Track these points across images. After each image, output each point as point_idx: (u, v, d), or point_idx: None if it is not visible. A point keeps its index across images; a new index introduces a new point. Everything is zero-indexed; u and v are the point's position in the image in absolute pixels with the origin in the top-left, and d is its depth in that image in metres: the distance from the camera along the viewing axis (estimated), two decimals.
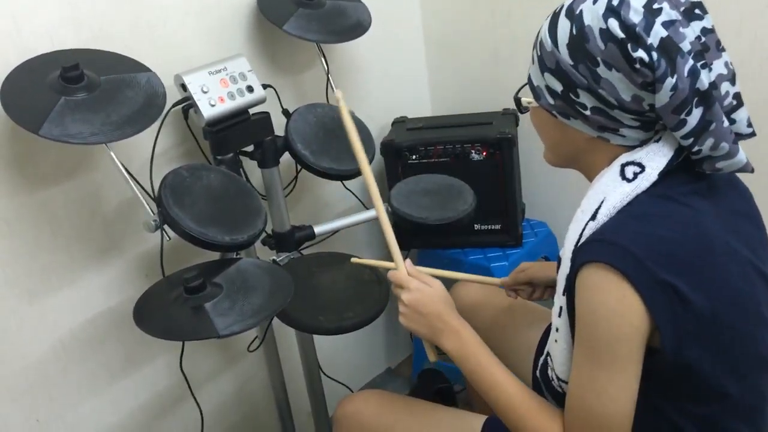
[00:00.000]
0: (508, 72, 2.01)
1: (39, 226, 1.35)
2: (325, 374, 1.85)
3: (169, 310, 1.23)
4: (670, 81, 0.86)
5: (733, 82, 0.92)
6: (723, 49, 0.91)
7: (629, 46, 0.86)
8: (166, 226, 1.28)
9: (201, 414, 1.64)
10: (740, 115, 0.94)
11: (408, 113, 2.09)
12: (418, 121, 2.02)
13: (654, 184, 0.92)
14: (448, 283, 1.65)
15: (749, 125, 0.95)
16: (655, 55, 0.85)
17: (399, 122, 2.05)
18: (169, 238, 1.32)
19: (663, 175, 0.92)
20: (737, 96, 0.93)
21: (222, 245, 1.29)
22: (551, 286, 1.40)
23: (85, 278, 1.44)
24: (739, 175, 1.03)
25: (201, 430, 1.66)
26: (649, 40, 0.86)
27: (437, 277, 1.19)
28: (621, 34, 0.87)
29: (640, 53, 0.86)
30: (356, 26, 1.66)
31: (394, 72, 2.08)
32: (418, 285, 1.13)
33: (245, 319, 1.16)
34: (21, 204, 1.31)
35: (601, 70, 0.90)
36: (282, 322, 1.43)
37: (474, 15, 2.03)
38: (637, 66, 0.87)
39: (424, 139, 1.90)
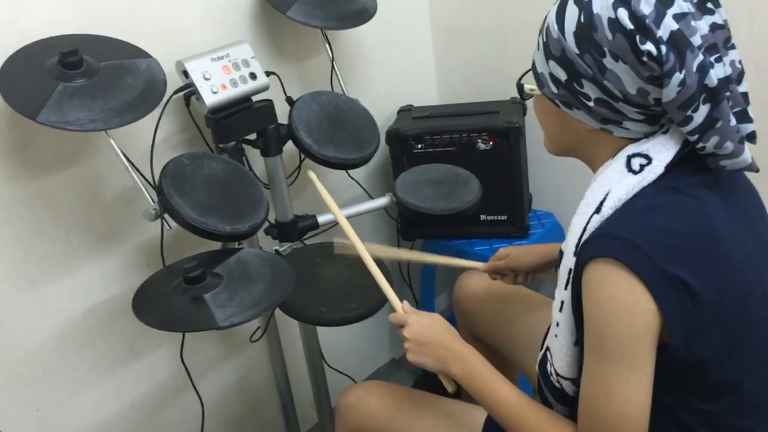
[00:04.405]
0: (516, 60, 1.98)
1: (38, 213, 1.33)
2: (328, 365, 1.84)
3: (168, 300, 1.22)
4: (678, 76, 0.83)
5: (738, 81, 0.89)
6: (732, 47, 0.88)
7: (638, 38, 0.84)
8: (166, 215, 1.27)
9: (202, 404, 1.64)
10: (751, 113, 0.91)
11: (414, 101, 2.07)
12: (424, 110, 2.00)
13: (660, 176, 0.90)
14: (454, 275, 1.64)
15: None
16: (664, 48, 0.83)
17: (405, 111, 2.02)
18: (170, 227, 1.31)
19: (669, 167, 0.90)
20: (744, 95, 0.90)
21: (223, 235, 1.28)
22: (533, 271, 1.40)
23: (85, 266, 1.43)
24: None
25: (202, 420, 1.65)
26: (659, 33, 0.83)
27: (417, 261, 1.17)
28: (630, 25, 0.84)
29: (649, 46, 0.83)
30: (362, 12, 1.63)
31: (400, 59, 2.05)
32: (417, 318, 1.13)
33: (245, 311, 1.15)
34: (20, 190, 1.30)
35: (608, 61, 0.87)
36: (283, 313, 1.41)
37: (483, 2, 2.00)
38: (645, 59, 0.84)
39: (430, 128, 1.88)
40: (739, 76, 0.89)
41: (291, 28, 1.68)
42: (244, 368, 1.83)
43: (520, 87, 1.06)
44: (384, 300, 1.41)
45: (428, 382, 1.98)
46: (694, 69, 0.83)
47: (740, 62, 0.89)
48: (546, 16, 0.96)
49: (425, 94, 2.18)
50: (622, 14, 0.84)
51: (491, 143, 1.83)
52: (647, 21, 0.83)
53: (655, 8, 0.83)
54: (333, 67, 1.69)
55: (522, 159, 1.86)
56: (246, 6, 1.59)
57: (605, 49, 0.87)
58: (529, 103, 1.07)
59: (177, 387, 1.65)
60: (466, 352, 1.09)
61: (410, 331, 1.11)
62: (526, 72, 1.03)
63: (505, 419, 1.02)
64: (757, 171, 0.92)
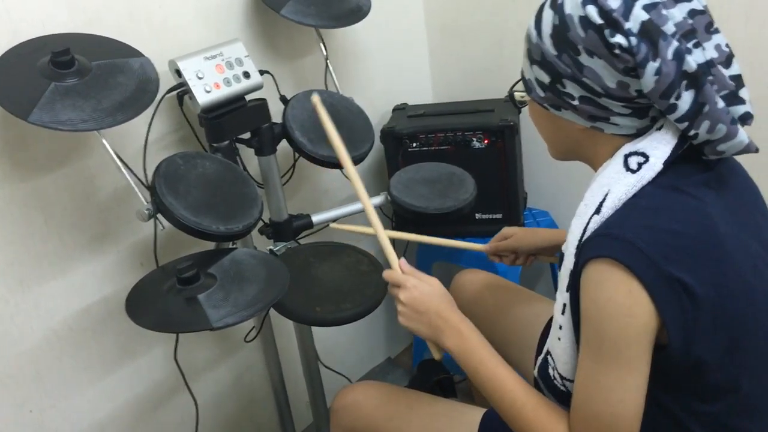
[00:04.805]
0: (511, 59, 1.97)
1: (31, 214, 1.33)
2: (323, 365, 1.83)
3: (161, 301, 1.21)
4: (653, 65, 0.84)
5: (727, 65, 0.89)
6: (715, 31, 0.89)
7: (606, 32, 0.85)
8: (159, 215, 1.26)
9: (196, 405, 1.63)
10: (744, 95, 0.90)
11: (409, 100, 2.06)
12: (419, 108, 1.99)
13: (660, 174, 0.90)
14: (451, 273, 1.63)
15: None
16: (633, 40, 0.84)
17: (399, 109, 2.02)
18: (163, 228, 1.30)
19: (669, 164, 0.90)
20: (735, 78, 0.90)
21: (217, 235, 1.27)
22: (534, 253, 1.40)
23: (78, 267, 1.42)
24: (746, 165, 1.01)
25: (196, 420, 1.65)
26: (627, 25, 0.84)
27: (419, 242, 1.23)
28: (599, 20, 0.86)
29: (618, 38, 0.85)
30: (356, 10, 1.63)
31: (395, 57, 2.05)
32: (416, 282, 1.08)
33: (239, 311, 1.14)
34: (12, 191, 1.29)
35: (583, 58, 0.89)
36: (278, 313, 1.41)
37: (478, 0, 2.00)
38: (617, 51, 0.85)
39: (424, 126, 1.87)
40: (727, 59, 0.89)
41: (285, 27, 1.67)
42: (238, 368, 1.82)
43: (512, 96, 1.09)
44: (380, 299, 1.41)
45: (424, 382, 1.98)
46: (670, 56, 0.84)
47: (727, 45, 0.89)
48: (529, 24, 0.98)
49: (420, 92, 2.17)
50: (591, 11, 0.86)
51: (486, 142, 1.83)
52: (614, 14, 0.85)
53: (624, 2, 0.85)
54: (327, 65, 1.68)
55: (517, 157, 1.86)
56: (239, 4, 1.58)
57: (579, 46, 0.88)
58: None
59: (171, 387, 1.65)
60: (464, 327, 1.06)
61: (407, 296, 1.07)
62: (517, 81, 1.05)
63: (500, 401, 1.01)
64: (757, 151, 0.91)
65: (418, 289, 1.08)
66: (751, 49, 1.56)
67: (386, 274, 1.12)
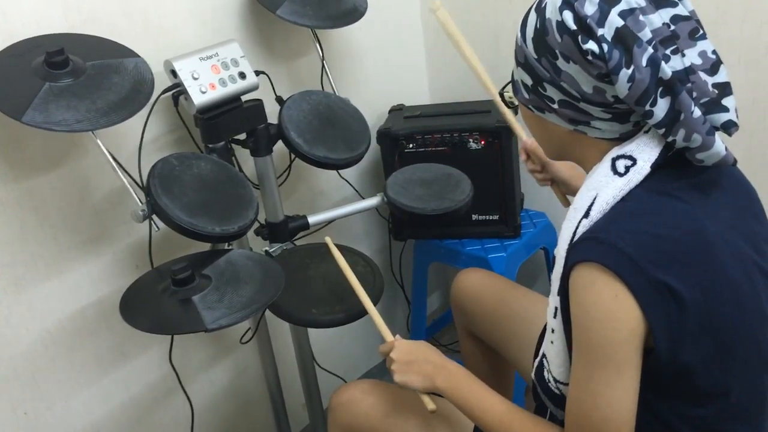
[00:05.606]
0: (508, 59, 1.94)
1: (25, 215, 1.32)
2: (319, 366, 1.83)
3: (156, 302, 1.21)
4: (626, 72, 0.84)
5: (712, 72, 0.88)
6: (701, 38, 0.88)
7: (580, 37, 0.85)
8: (154, 216, 1.26)
9: (191, 406, 1.63)
10: (728, 104, 0.89)
11: (405, 101, 2.06)
12: (415, 109, 1.99)
13: (649, 178, 0.89)
14: (447, 274, 1.64)
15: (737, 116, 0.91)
16: (605, 46, 0.84)
17: (396, 110, 2.02)
18: (158, 229, 1.29)
19: (657, 167, 0.89)
20: (719, 86, 0.88)
21: (212, 236, 1.26)
22: (554, 180, 1.42)
23: (73, 268, 1.41)
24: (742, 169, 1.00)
25: (191, 422, 1.64)
26: (601, 32, 0.84)
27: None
28: (573, 26, 0.86)
29: (591, 45, 0.85)
30: (352, 11, 1.63)
31: (391, 58, 2.04)
32: (403, 341, 1.16)
33: (234, 313, 1.14)
34: (6, 192, 1.29)
35: (560, 63, 0.89)
36: (274, 314, 1.40)
37: (475, 1, 2.00)
38: (590, 58, 0.85)
39: (421, 127, 1.87)
40: (713, 66, 0.88)
41: (281, 27, 1.67)
42: (234, 370, 1.81)
43: (501, 95, 1.10)
44: (376, 301, 1.41)
45: None
46: (644, 63, 0.83)
47: (714, 52, 0.88)
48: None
49: (416, 93, 2.17)
50: (567, 16, 0.87)
51: (483, 143, 1.83)
52: (588, 21, 0.85)
53: (599, 8, 0.85)
54: (323, 66, 1.68)
55: (514, 158, 1.86)
56: (235, 5, 1.58)
57: (557, 51, 0.89)
58: None
59: (166, 389, 1.64)
60: (451, 365, 1.11)
61: (396, 352, 1.14)
62: (509, 82, 1.06)
63: (491, 425, 1.03)
64: (735, 163, 0.91)
65: (405, 345, 1.16)
66: (746, 50, 1.56)
67: (381, 347, 1.19)
